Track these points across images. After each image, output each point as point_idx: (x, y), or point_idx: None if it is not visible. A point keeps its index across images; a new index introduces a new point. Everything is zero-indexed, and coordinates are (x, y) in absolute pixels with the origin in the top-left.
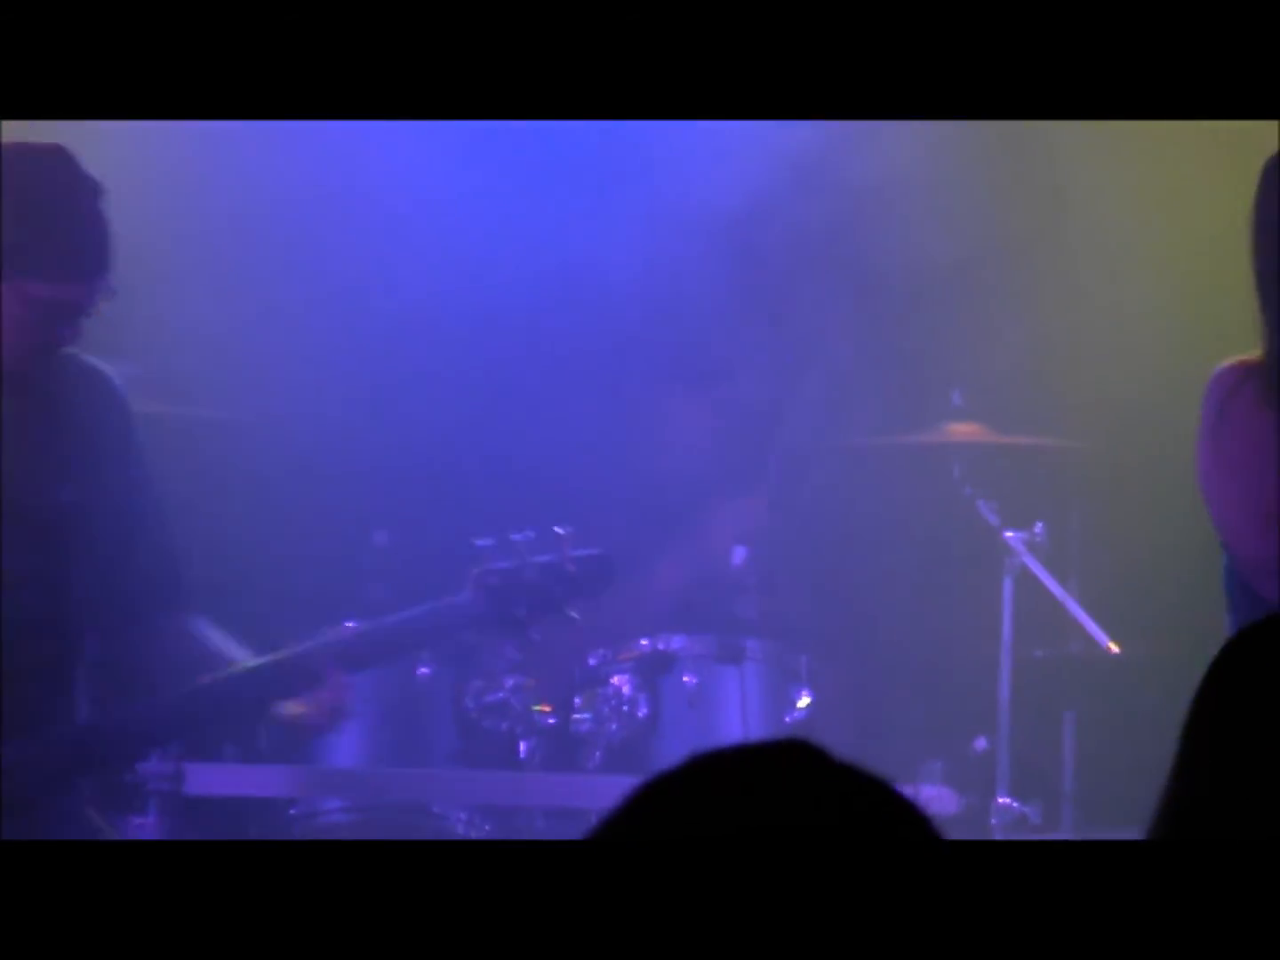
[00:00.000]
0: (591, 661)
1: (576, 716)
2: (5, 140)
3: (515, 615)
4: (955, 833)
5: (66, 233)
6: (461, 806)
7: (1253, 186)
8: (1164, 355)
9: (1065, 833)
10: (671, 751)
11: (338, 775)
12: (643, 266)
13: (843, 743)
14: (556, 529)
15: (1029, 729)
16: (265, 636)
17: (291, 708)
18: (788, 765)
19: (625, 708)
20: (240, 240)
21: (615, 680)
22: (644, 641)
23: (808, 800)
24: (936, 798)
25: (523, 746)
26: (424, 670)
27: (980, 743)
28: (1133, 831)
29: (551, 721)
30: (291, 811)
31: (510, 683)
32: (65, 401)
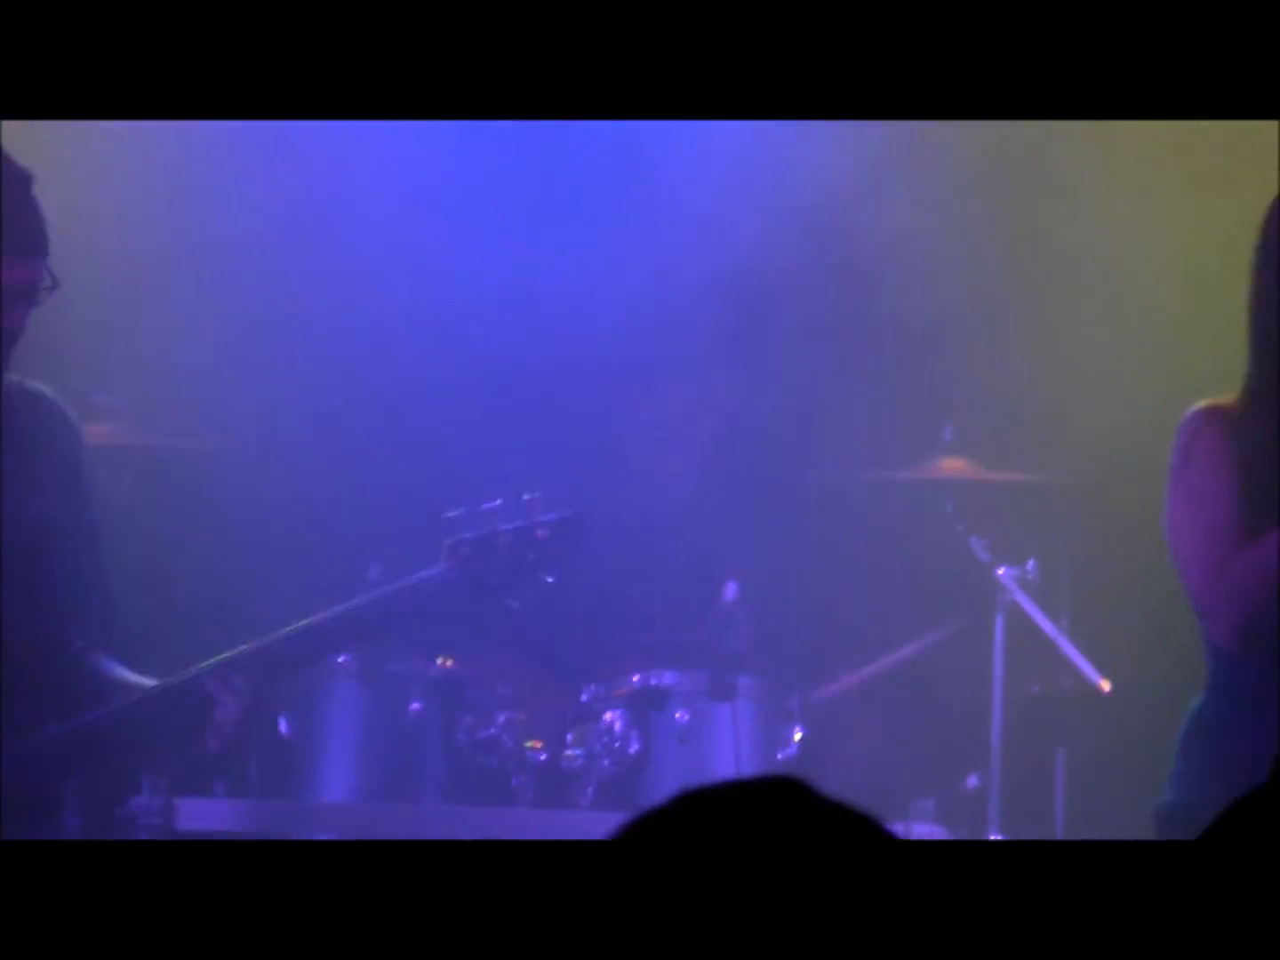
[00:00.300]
0: (584, 697)
1: (568, 753)
2: None
3: (490, 583)
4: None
5: (6, 218)
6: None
7: (1238, 225)
8: (1155, 391)
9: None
10: (663, 788)
11: (328, 810)
12: (641, 309)
13: (835, 780)
14: (524, 495)
15: (1021, 766)
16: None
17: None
18: (777, 803)
19: (617, 744)
20: (223, 269)
21: (607, 716)
22: (636, 677)
23: (796, 839)
24: (927, 835)
25: (514, 782)
26: (415, 705)
27: (972, 780)
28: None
29: (543, 758)
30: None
31: (502, 718)
32: (10, 425)
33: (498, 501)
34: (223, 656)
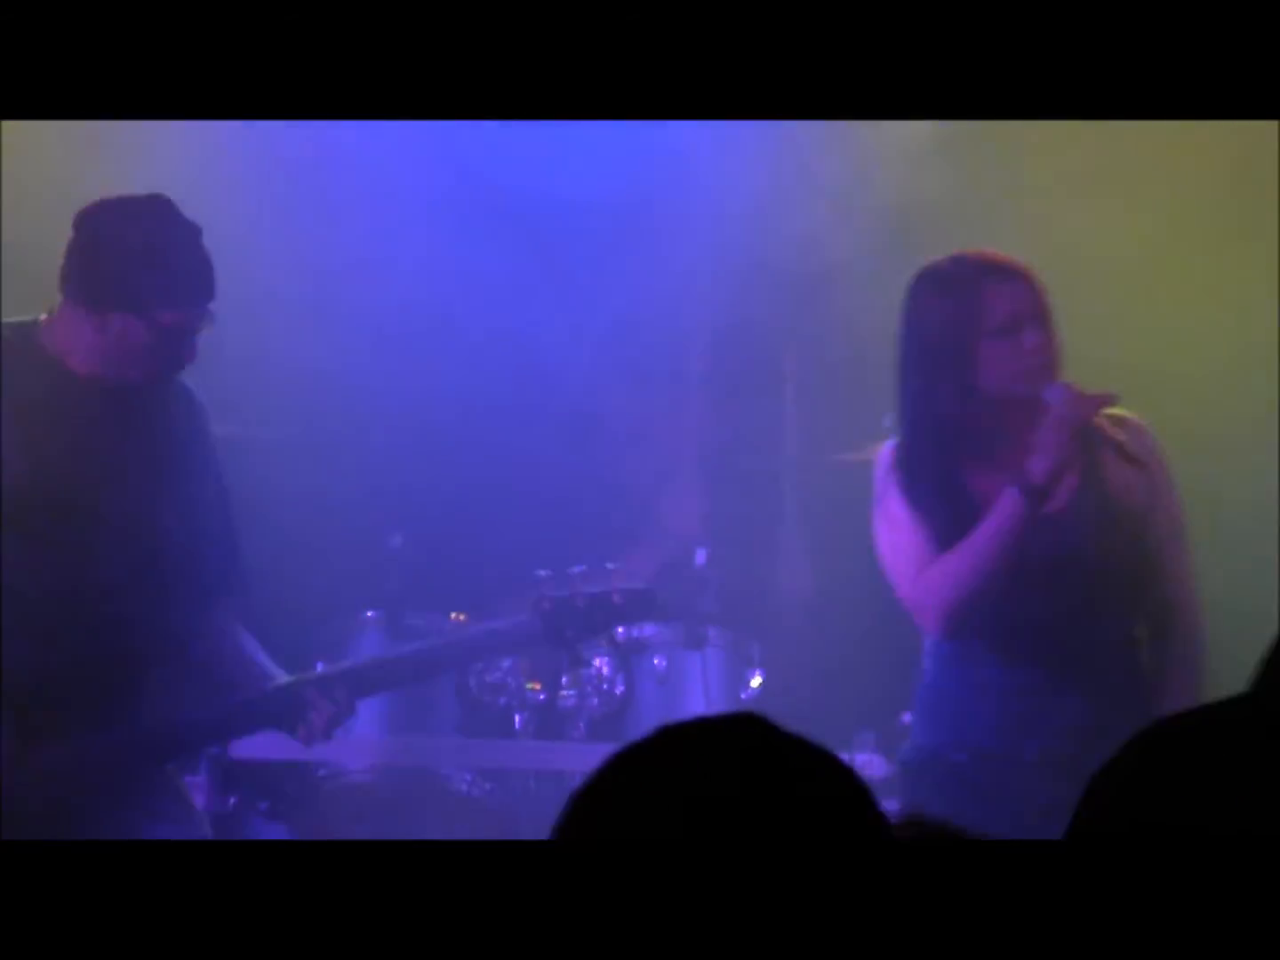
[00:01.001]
0: (582, 649)
1: (563, 693)
2: (109, 196)
3: (565, 636)
4: (882, 791)
5: (177, 267)
6: (465, 770)
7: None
8: (1099, 380)
9: None
10: (644, 723)
11: (361, 742)
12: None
13: (789, 716)
14: (607, 565)
15: None
16: (301, 624)
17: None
18: (741, 735)
19: (605, 686)
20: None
21: (597, 663)
22: (620, 630)
23: (757, 765)
24: (867, 763)
25: (517, 719)
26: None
27: (906, 717)
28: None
29: (542, 698)
30: (320, 773)
31: (507, 664)
32: (161, 413)
33: (582, 567)
34: (328, 670)
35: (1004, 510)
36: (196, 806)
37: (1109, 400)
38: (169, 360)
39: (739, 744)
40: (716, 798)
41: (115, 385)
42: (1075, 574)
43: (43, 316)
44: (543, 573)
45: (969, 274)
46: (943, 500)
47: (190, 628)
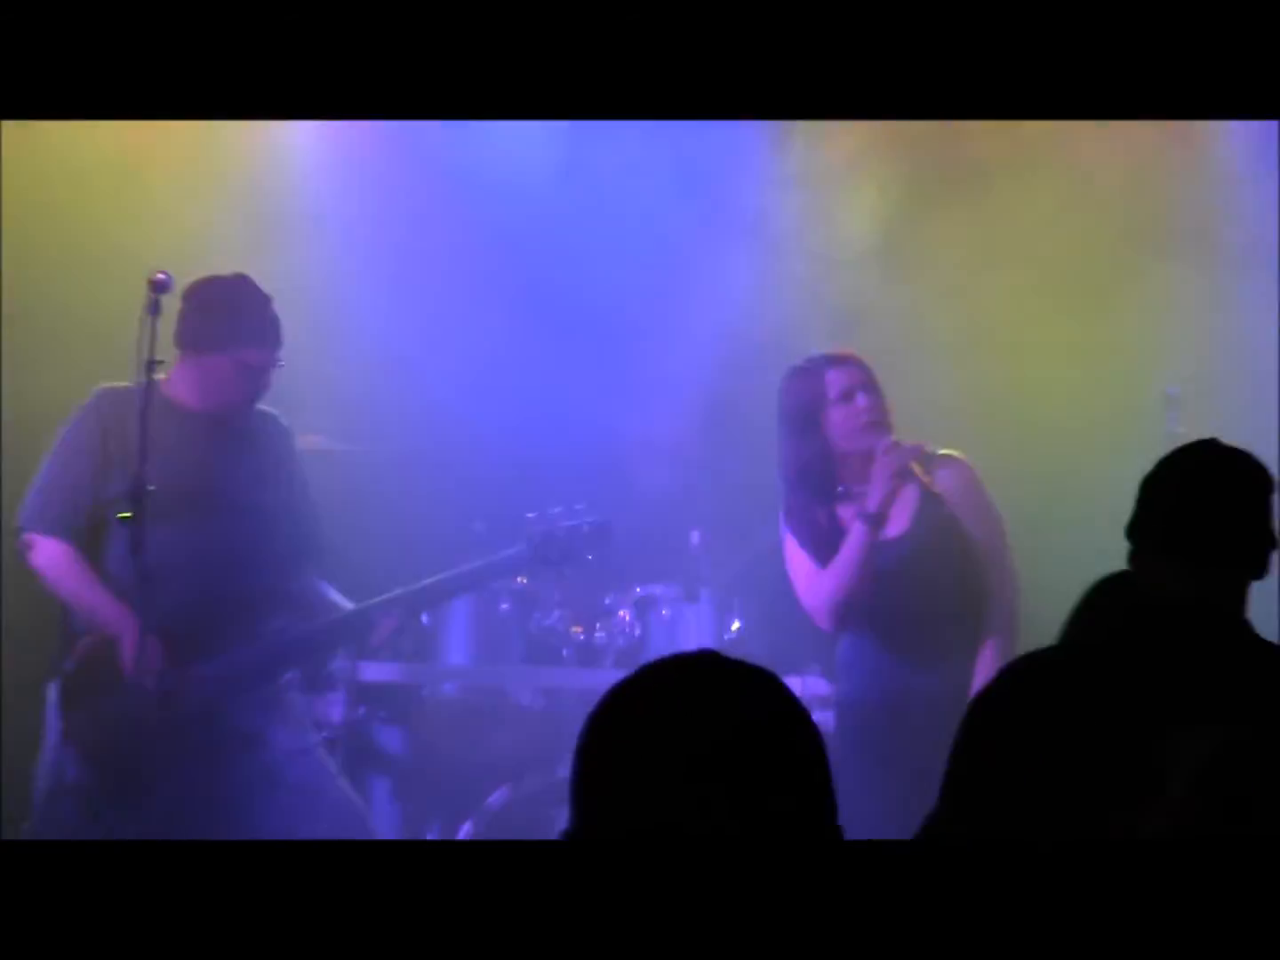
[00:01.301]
0: (606, 601)
1: (597, 635)
2: (209, 276)
3: (550, 559)
4: (823, 706)
5: (258, 323)
6: (526, 689)
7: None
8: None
9: None
10: (654, 656)
11: (452, 669)
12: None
13: (760, 651)
14: (577, 506)
15: None
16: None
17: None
18: (712, 665)
19: (627, 629)
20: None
21: (621, 613)
22: (638, 589)
23: (724, 685)
24: (815, 684)
25: (564, 652)
26: (504, 606)
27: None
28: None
29: (581, 638)
30: (423, 691)
31: (556, 614)
32: (253, 434)
33: (559, 508)
34: (386, 596)
35: (855, 537)
36: (333, 719)
37: (920, 449)
38: (252, 391)
39: (709, 671)
40: (682, 704)
41: (218, 414)
42: (920, 575)
43: (161, 377)
44: (530, 515)
45: (815, 364)
46: (813, 531)
47: (288, 580)
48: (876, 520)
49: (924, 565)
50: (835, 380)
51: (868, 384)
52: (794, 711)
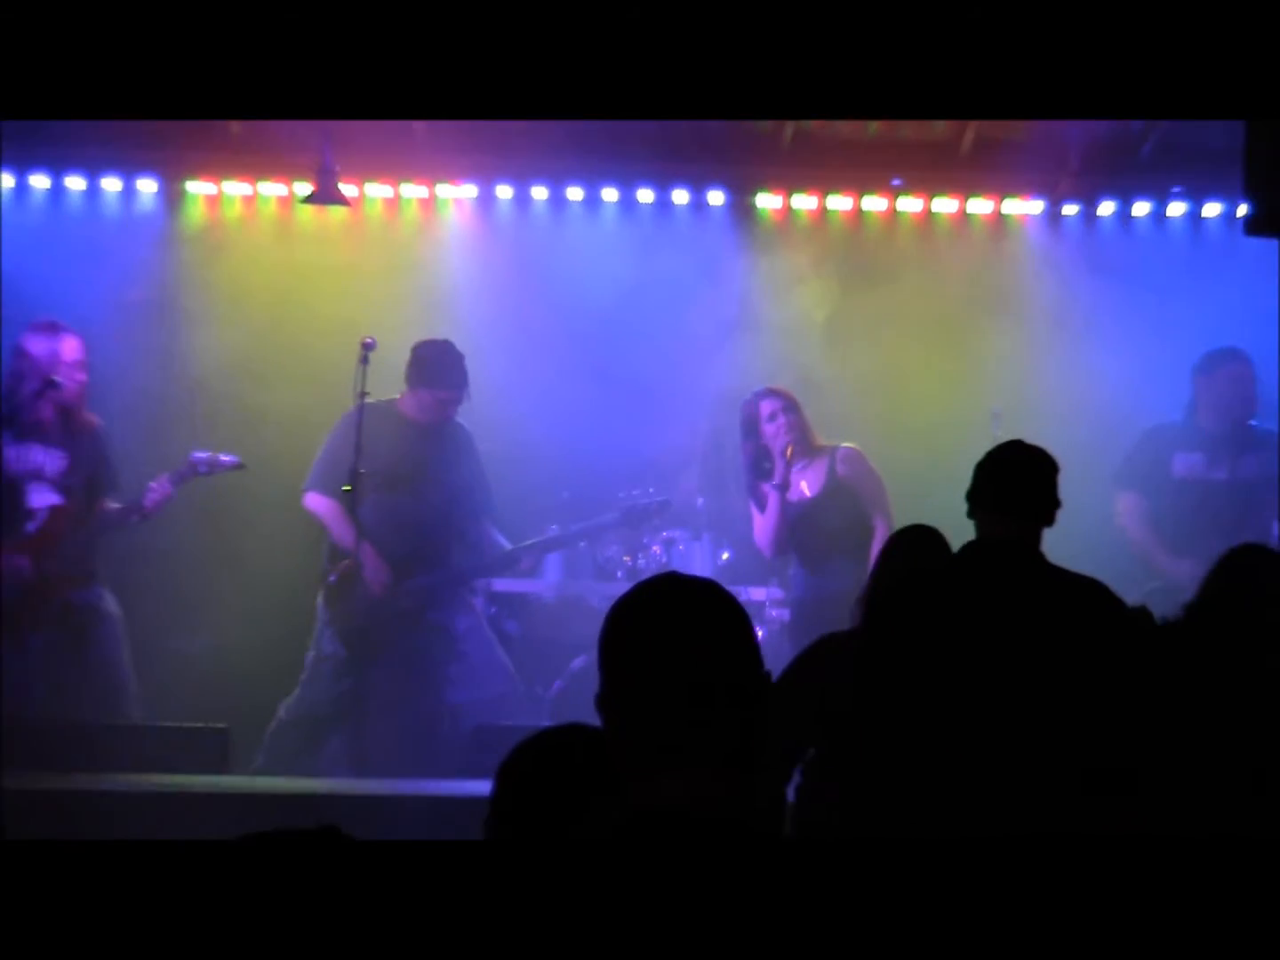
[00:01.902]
0: (645, 539)
1: (639, 561)
2: (429, 339)
3: (634, 523)
4: (780, 606)
5: (452, 375)
6: (595, 596)
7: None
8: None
9: None
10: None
11: (550, 582)
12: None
13: (741, 573)
14: (649, 489)
15: None
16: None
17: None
18: (688, 580)
19: (657, 558)
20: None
21: (654, 548)
22: (665, 533)
23: (695, 591)
24: (773, 592)
25: (619, 573)
26: (582, 544)
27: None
28: None
29: (629, 563)
30: (531, 597)
31: (614, 548)
32: (450, 436)
33: (637, 490)
34: (527, 543)
35: (772, 500)
36: (476, 610)
37: (792, 447)
38: (448, 413)
39: (670, 581)
40: (654, 595)
41: (426, 424)
42: (822, 523)
43: (397, 395)
44: (621, 494)
45: (756, 395)
46: (756, 498)
47: (466, 529)
48: (782, 488)
49: (825, 513)
50: (766, 406)
51: (788, 408)
52: (731, 600)
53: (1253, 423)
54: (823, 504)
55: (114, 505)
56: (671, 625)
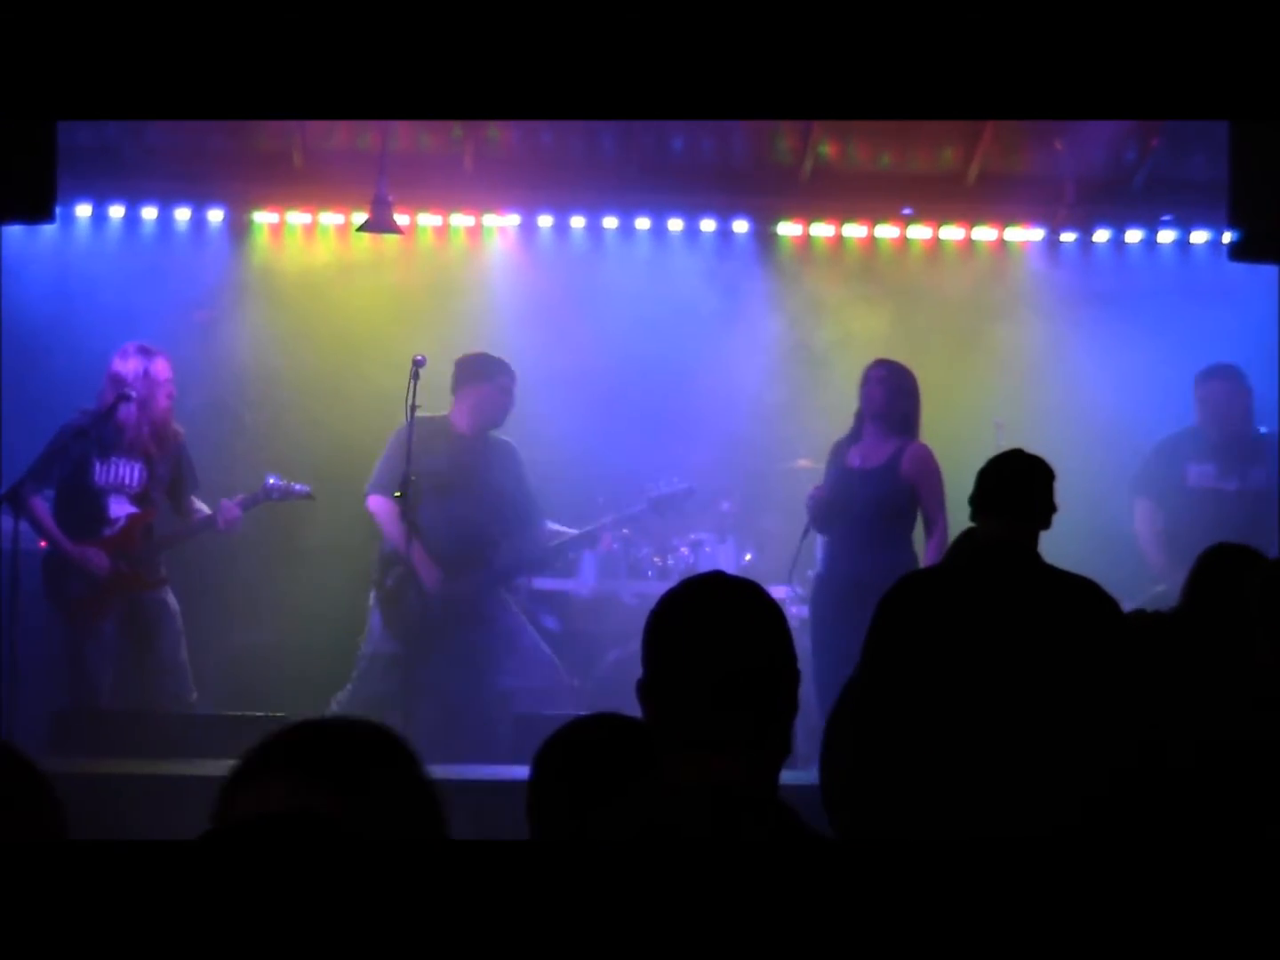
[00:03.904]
0: (674, 541)
1: (669, 561)
2: (469, 353)
3: (661, 512)
4: (799, 602)
5: (500, 364)
6: (627, 594)
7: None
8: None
9: None
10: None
11: (586, 582)
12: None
13: (761, 572)
14: (674, 478)
15: None
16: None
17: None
18: (716, 577)
19: (686, 559)
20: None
21: (683, 549)
22: (692, 535)
23: (720, 585)
24: (791, 590)
25: (649, 573)
26: (615, 546)
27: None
28: None
29: (659, 563)
30: (568, 593)
31: (645, 549)
32: (495, 447)
33: (662, 480)
34: (567, 539)
35: (829, 474)
36: (517, 609)
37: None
38: (502, 412)
39: (726, 581)
40: (700, 592)
41: (474, 436)
42: (861, 497)
43: (447, 412)
44: (648, 484)
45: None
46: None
47: (510, 530)
48: (833, 472)
49: (866, 490)
50: (869, 372)
51: (881, 379)
52: (768, 599)
53: (1264, 430)
54: (867, 480)
55: (195, 514)
56: (712, 621)
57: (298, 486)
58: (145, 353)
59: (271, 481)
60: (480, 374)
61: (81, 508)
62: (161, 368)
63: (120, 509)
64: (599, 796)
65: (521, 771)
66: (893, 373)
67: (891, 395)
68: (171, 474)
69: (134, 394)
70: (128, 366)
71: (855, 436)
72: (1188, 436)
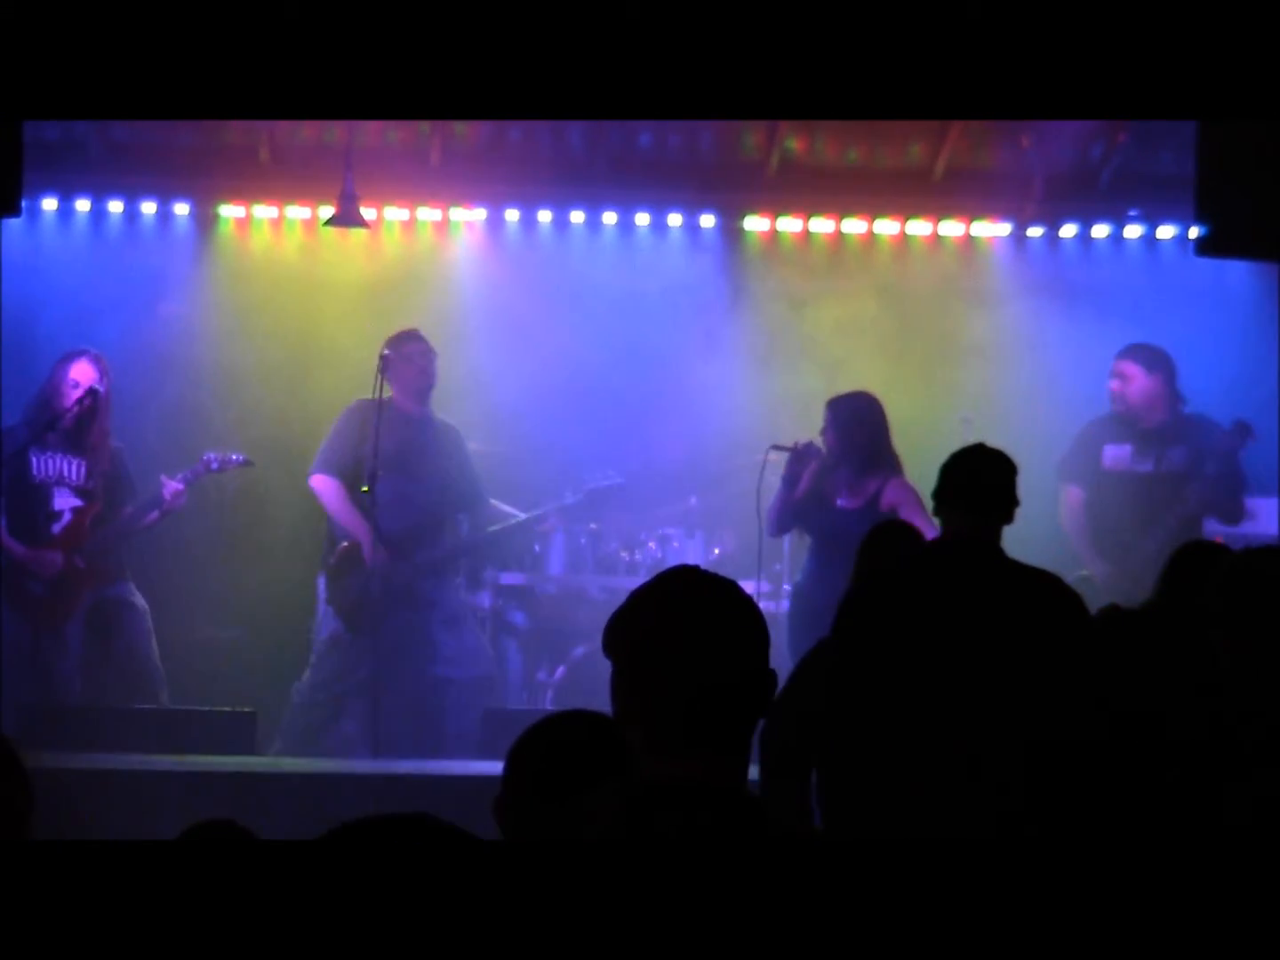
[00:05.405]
0: (642, 536)
1: (636, 556)
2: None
3: (595, 504)
4: (769, 598)
5: (420, 340)
6: (595, 588)
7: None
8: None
9: None
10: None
11: (553, 576)
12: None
13: (730, 568)
14: (610, 471)
15: None
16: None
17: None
18: (688, 571)
19: (653, 553)
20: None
21: (650, 544)
22: (660, 530)
23: (689, 580)
24: (762, 585)
25: (617, 567)
26: (583, 540)
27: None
28: None
29: (627, 558)
30: (534, 589)
31: (614, 544)
32: (440, 431)
33: (599, 473)
34: (502, 525)
35: (781, 488)
36: (483, 607)
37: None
38: (430, 379)
39: (694, 575)
40: (677, 591)
41: (419, 417)
42: (844, 533)
43: (389, 394)
44: (587, 476)
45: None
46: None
47: (456, 512)
48: (788, 482)
49: (851, 526)
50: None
51: (831, 423)
52: (746, 599)
53: (1188, 411)
54: (852, 518)
55: (140, 511)
56: (691, 624)
57: (235, 456)
58: (97, 360)
59: (209, 455)
60: (392, 352)
61: (27, 505)
62: (88, 371)
63: (64, 501)
64: (573, 794)
65: (462, 766)
66: (838, 412)
67: (844, 433)
68: (107, 477)
69: (100, 394)
70: (85, 371)
71: (834, 469)
72: (1109, 420)
